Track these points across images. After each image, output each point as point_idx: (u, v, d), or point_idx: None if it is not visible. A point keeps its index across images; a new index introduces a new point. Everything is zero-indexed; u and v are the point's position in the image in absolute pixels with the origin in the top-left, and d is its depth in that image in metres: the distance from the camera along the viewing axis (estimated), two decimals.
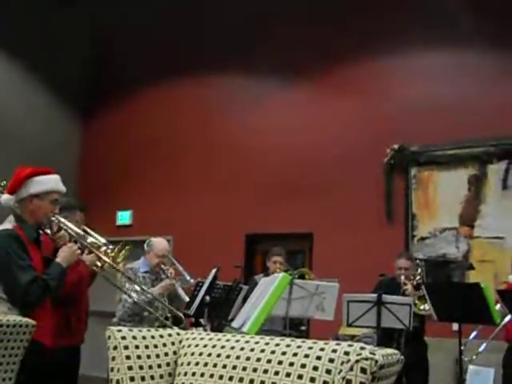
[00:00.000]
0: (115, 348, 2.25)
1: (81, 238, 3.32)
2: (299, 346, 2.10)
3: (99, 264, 3.34)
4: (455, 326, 4.48)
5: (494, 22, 6.73)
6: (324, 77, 7.75)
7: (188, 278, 4.78)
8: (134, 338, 2.27)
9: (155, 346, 2.31)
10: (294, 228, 7.40)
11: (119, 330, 2.29)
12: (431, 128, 6.88)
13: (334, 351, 2.03)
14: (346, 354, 1.99)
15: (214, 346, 2.23)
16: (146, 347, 2.28)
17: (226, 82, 8.49)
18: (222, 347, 2.21)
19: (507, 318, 4.20)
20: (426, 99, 7.01)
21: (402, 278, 4.96)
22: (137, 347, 2.25)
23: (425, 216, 6.87)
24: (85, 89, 9.46)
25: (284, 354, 2.09)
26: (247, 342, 2.21)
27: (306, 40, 7.82)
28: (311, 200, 7.40)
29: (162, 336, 2.36)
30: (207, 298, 4.57)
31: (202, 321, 4.69)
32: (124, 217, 8.92)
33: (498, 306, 4.21)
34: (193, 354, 2.25)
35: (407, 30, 7.21)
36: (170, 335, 2.38)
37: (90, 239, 3.38)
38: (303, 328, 5.79)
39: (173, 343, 2.36)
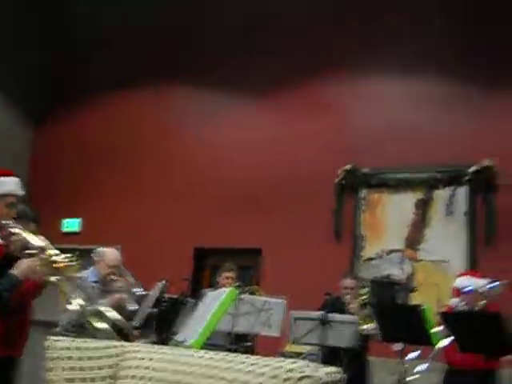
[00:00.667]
0: (54, 358, 2.21)
1: (32, 246, 3.22)
2: (243, 362, 2.10)
3: (51, 274, 3.25)
4: (398, 346, 4.55)
5: (447, 52, 6.97)
6: (280, 96, 7.83)
7: (138, 289, 4.73)
8: (77, 348, 2.23)
9: (98, 358, 2.27)
10: (244, 243, 7.41)
11: (59, 340, 2.25)
12: (382, 151, 7.03)
13: (278, 368, 2.03)
14: (290, 371, 1.99)
15: (157, 360, 2.22)
16: (89, 358, 2.24)
17: (185, 94, 8.48)
18: (166, 361, 2.20)
19: (446, 341, 4.30)
20: (379, 124, 7.17)
21: (348, 297, 5.03)
22: (80, 358, 2.21)
23: (372, 237, 6.99)
24: (37, 94, 9.26)
25: (227, 369, 2.09)
26: (191, 355, 2.20)
27: (266, 58, 7.90)
28: (262, 216, 7.43)
29: (105, 347, 2.33)
30: (154, 310, 4.52)
31: (148, 333, 4.64)
32: (72, 224, 8.76)
33: (439, 328, 4.31)
34: (137, 366, 2.22)
35: (369, 55, 7.37)
36: (113, 347, 2.34)
37: (38, 245, 3.29)
38: (249, 344, 5.79)
39: (117, 355, 2.32)
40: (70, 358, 2.20)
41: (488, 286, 4.52)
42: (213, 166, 7.94)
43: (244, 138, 7.87)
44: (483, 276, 4.79)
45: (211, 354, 2.20)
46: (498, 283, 4.47)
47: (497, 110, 6.76)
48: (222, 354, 2.21)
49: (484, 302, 4.44)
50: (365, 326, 4.80)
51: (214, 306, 3.25)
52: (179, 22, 8.59)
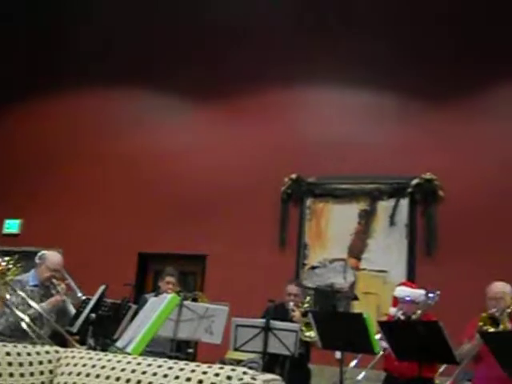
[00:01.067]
0: None
1: None
2: (182, 369, 2.09)
3: None
4: (338, 354, 4.61)
5: (394, 65, 7.15)
6: (226, 104, 7.85)
7: (79, 294, 4.63)
8: (8, 354, 2.16)
9: (30, 364, 2.21)
10: (189, 249, 7.38)
11: None
12: (328, 162, 7.14)
13: (217, 375, 2.03)
14: (228, 378, 2.00)
15: (93, 366, 2.17)
16: (20, 365, 2.17)
17: (127, 98, 8.38)
18: (103, 367, 2.16)
19: (385, 350, 4.38)
20: (326, 134, 7.28)
21: (291, 304, 5.04)
22: (9, 364, 2.14)
23: (316, 246, 7.07)
24: None
25: (165, 376, 2.07)
26: (129, 362, 2.17)
27: (213, 65, 7.91)
28: (207, 222, 7.41)
29: (38, 353, 2.26)
30: (92, 315, 4.43)
31: (86, 339, 4.54)
32: (12, 225, 8.51)
33: (378, 336, 4.39)
34: (70, 373, 2.17)
35: (317, 66, 7.49)
36: (47, 352, 2.28)
37: None
38: (190, 350, 5.74)
39: (50, 361, 2.26)
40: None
41: (425, 297, 4.63)
42: (159, 172, 7.88)
43: (190, 145, 7.85)
44: (421, 287, 4.91)
45: (149, 360, 2.18)
46: (435, 293, 4.60)
47: (439, 125, 6.96)
48: (160, 361, 2.18)
49: (420, 311, 4.55)
50: (307, 334, 4.83)
51: (155, 312, 3.22)
52: (123, 25, 8.51)
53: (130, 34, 8.45)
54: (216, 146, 7.72)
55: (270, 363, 4.64)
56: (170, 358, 3.71)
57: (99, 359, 2.22)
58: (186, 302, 4.56)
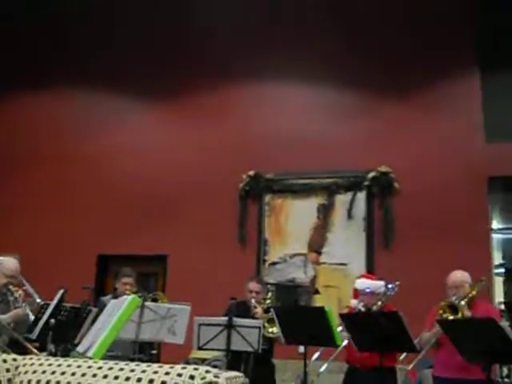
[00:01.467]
0: None
1: None
2: (144, 371, 2.08)
3: None
4: (301, 348, 4.64)
5: (348, 62, 7.23)
6: (185, 102, 7.81)
7: (38, 299, 4.56)
8: None
9: None
10: (149, 250, 7.32)
11: None
12: (286, 158, 7.19)
13: (180, 375, 2.03)
14: (191, 377, 2.00)
15: (53, 373, 2.14)
16: None
17: (87, 100, 8.25)
18: (63, 373, 2.13)
19: (346, 341, 4.44)
20: (284, 131, 7.32)
21: (253, 301, 5.05)
22: None
23: (276, 242, 7.11)
24: None
25: (128, 379, 2.05)
26: (90, 367, 2.14)
27: (170, 63, 7.86)
28: (167, 222, 7.37)
29: None
30: (52, 320, 4.36)
31: (46, 345, 4.47)
32: None
33: (339, 329, 4.44)
34: (29, 381, 2.13)
35: (272, 63, 7.52)
36: (4, 361, 2.23)
37: None
38: (154, 352, 5.71)
39: (7, 370, 2.22)
40: None
41: (385, 288, 4.71)
42: (118, 173, 7.79)
43: (148, 145, 7.79)
44: (380, 278, 5.00)
45: (110, 364, 2.16)
46: (394, 284, 4.68)
47: (393, 119, 7.09)
48: (122, 364, 2.16)
49: (380, 302, 4.62)
50: (270, 330, 4.85)
51: (116, 314, 3.18)
52: (83, 26, 8.38)
53: (88, 36, 8.30)
54: (174, 144, 7.68)
55: (234, 360, 4.64)
56: (133, 360, 3.68)
57: (59, 365, 2.19)
58: (147, 303, 4.52)
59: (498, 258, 7.04)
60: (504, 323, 3.53)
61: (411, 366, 4.35)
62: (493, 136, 6.79)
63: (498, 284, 6.95)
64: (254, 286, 5.18)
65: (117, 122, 7.99)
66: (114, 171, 7.81)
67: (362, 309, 4.64)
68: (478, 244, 6.44)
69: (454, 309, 4.16)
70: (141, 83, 7.93)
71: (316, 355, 4.65)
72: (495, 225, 6.90)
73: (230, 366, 4.33)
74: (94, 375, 2.11)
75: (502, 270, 6.91)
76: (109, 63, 8.12)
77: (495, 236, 6.92)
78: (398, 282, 4.67)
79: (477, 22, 7.06)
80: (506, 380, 4.05)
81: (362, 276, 5.11)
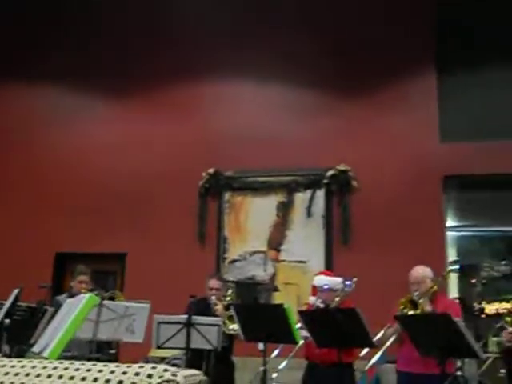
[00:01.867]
0: None
1: None
2: (100, 371, 2.04)
3: None
4: (261, 346, 4.66)
5: (306, 62, 7.28)
6: (144, 99, 7.74)
7: None
8: None
9: None
10: (108, 248, 7.23)
11: None
12: (246, 156, 7.21)
13: (137, 374, 2.00)
14: (149, 376, 1.97)
15: (6, 374, 2.09)
16: None
17: (37, 97, 8.09)
18: (16, 374, 2.08)
19: (305, 338, 4.47)
20: (243, 127, 7.34)
21: (213, 298, 5.05)
22: None
23: (236, 239, 7.12)
24: None
25: (84, 379, 2.02)
26: (45, 367, 2.10)
27: (132, 58, 7.78)
28: (126, 220, 7.31)
29: None
30: (7, 320, 4.27)
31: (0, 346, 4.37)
32: None
33: (298, 326, 4.47)
34: None
35: (232, 61, 7.52)
36: None
37: None
38: (112, 351, 5.64)
39: None
40: None
41: (343, 284, 4.76)
42: (76, 170, 7.68)
43: (107, 141, 7.70)
44: (338, 275, 5.05)
45: (66, 364, 2.12)
46: (351, 281, 4.74)
47: (352, 118, 7.17)
48: (77, 364, 2.13)
49: (338, 299, 4.67)
50: (231, 327, 4.86)
51: (72, 313, 3.14)
52: (30, 21, 8.21)
53: (57, 32, 8.13)
54: (132, 142, 7.62)
55: (193, 358, 4.63)
56: (91, 360, 3.63)
57: (13, 366, 2.14)
58: (105, 302, 4.47)
59: (452, 254, 7.21)
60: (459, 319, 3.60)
61: (373, 361, 4.40)
62: (448, 135, 6.95)
63: (453, 280, 7.11)
64: (214, 283, 5.18)
65: (71, 120, 7.88)
66: (72, 169, 7.70)
67: (321, 305, 4.68)
68: (434, 241, 6.58)
69: (414, 304, 4.22)
70: (96, 81, 7.83)
71: (275, 352, 4.67)
72: (450, 223, 7.06)
73: (190, 364, 4.32)
74: (49, 376, 2.07)
75: (457, 267, 7.07)
76: (81, 59, 7.96)
77: (450, 233, 7.07)
78: (355, 279, 4.72)
79: (435, 22, 7.20)
80: (459, 373, 4.15)
81: (321, 273, 5.16)
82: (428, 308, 4.22)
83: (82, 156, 7.70)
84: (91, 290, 4.84)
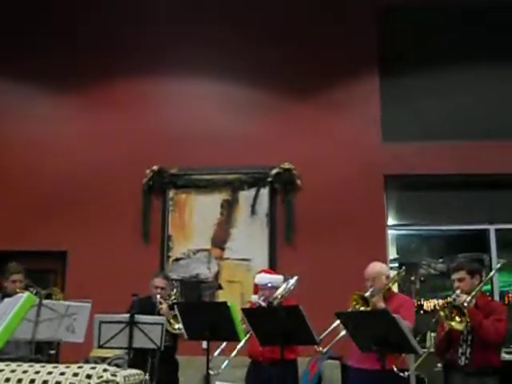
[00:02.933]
0: None
1: None
2: (37, 372, 2.01)
3: None
4: (205, 344, 4.66)
5: (254, 59, 7.31)
6: (88, 94, 7.58)
7: None
8: None
9: None
10: (47, 246, 7.05)
11: None
12: (190, 153, 7.17)
13: (76, 375, 1.98)
14: (88, 377, 1.95)
15: None
16: None
17: None
18: None
19: (248, 336, 4.50)
20: (188, 125, 7.30)
21: (158, 297, 5.02)
22: None
23: (180, 237, 7.08)
24: None
25: (20, 381, 1.97)
26: None
27: (80, 55, 7.58)
28: (67, 217, 7.13)
29: None
30: None
31: None
32: None
33: (242, 324, 4.48)
34: None
35: (178, 56, 7.47)
36: None
37: None
38: (52, 352, 5.52)
39: None
40: None
41: (285, 282, 4.81)
42: (15, 165, 7.42)
43: (49, 137, 7.49)
44: (281, 273, 5.10)
45: (2, 365, 2.07)
46: (293, 278, 4.79)
47: (297, 117, 7.25)
48: (14, 365, 2.08)
49: (280, 296, 4.71)
50: (176, 326, 4.84)
51: (9, 313, 3.05)
52: None
53: None
54: (75, 137, 7.44)
55: (136, 358, 4.58)
56: (31, 361, 3.54)
57: None
58: (45, 301, 4.36)
59: (392, 252, 7.39)
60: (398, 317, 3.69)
61: (324, 350, 4.42)
62: (390, 135, 7.11)
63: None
64: (159, 281, 5.14)
65: (17, 113, 7.61)
66: (11, 164, 7.44)
67: (263, 303, 4.71)
68: (375, 239, 6.73)
69: (366, 301, 4.27)
70: (43, 74, 7.58)
71: (218, 351, 4.67)
72: (390, 221, 7.23)
73: (133, 364, 4.26)
74: None
75: (396, 265, 7.26)
76: (16, 53, 7.70)
77: (390, 232, 7.24)
78: (296, 277, 4.78)
79: (379, 23, 7.35)
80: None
81: (262, 271, 5.18)
82: (381, 305, 4.27)
83: (21, 152, 7.45)
84: (26, 288, 4.72)
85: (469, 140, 6.99)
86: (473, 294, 4.10)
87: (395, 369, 3.98)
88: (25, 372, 2.03)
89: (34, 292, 4.49)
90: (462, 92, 7.20)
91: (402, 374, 3.98)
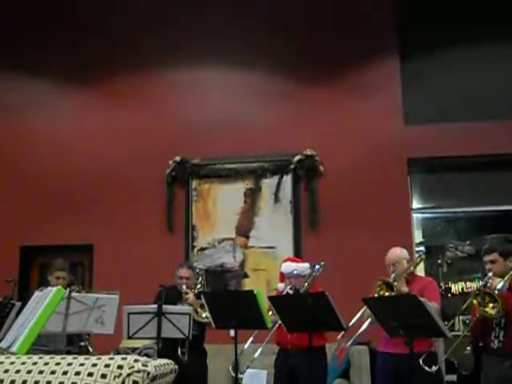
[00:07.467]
0: None
1: None
2: (70, 364, 2.02)
3: None
4: (232, 332, 4.69)
5: (275, 48, 7.27)
6: (107, 84, 7.61)
7: None
8: None
9: None
10: (74, 239, 7.14)
11: None
12: (212, 142, 7.18)
13: (107, 366, 1.98)
14: (120, 367, 1.96)
15: None
16: None
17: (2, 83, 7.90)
18: None
19: (277, 324, 4.51)
20: (208, 114, 7.30)
21: (184, 287, 5.05)
22: None
23: (204, 227, 7.11)
24: None
25: (53, 373, 1.99)
26: (12, 363, 2.06)
27: (94, 49, 7.62)
28: (92, 210, 7.21)
29: None
30: None
31: None
32: None
33: (270, 312, 4.49)
34: None
35: (198, 47, 7.46)
36: None
37: None
38: (83, 344, 5.59)
39: None
40: None
41: (311, 269, 4.80)
42: (38, 160, 7.52)
43: (71, 129, 7.56)
44: (306, 260, 5.09)
45: (35, 358, 2.09)
46: (319, 264, 4.78)
47: (317, 102, 7.20)
48: (47, 358, 2.09)
49: (307, 283, 4.71)
50: (203, 315, 4.86)
51: (40, 307, 3.10)
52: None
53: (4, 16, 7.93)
54: (97, 131, 7.49)
55: (166, 348, 4.63)
56: (62, 353, 3.59)
57: None
58: (73, 294, 4.42)
59: (418, 236, 7.33)
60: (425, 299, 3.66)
61: (349, 343, 4.44)
62: (412, 118, 7.04)
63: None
64: (184, 272, 5.15)
65: (33, 108, 7.68)
66: (34, 159, 7.53)
67: (290, 291, 4.72)
68: (400, 223, 6.68)
69: (390, 286, 4.27)
70: (58, 67, 7.65)
71: (249, 342, 4.69)
72: (415, 205, 7.17)
73: (162, 354, 4.31)
74: (18, 371, 2.03)
75: (422, 248, 7.21)
76: (30, 47, 7.77)
77: (415, 215, 7.18)
78: (322, 262, 4.76)
79: (399, 8, 7.26)
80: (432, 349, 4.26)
81: (287, 259, 5.17)
82: (404, 289, 4.27)
83: (43, 147, 7.53)
84: (69, 285, 4.79)
85: (493, 120, 6.88)
86: (506, 278, 4.01)
87: (421, 363, 3.91)
88: (57, 364, 2.05)
89: (76, 290, 4.57)
90: (486, 72, 7.08)
91: (428, 370, 3.90)
